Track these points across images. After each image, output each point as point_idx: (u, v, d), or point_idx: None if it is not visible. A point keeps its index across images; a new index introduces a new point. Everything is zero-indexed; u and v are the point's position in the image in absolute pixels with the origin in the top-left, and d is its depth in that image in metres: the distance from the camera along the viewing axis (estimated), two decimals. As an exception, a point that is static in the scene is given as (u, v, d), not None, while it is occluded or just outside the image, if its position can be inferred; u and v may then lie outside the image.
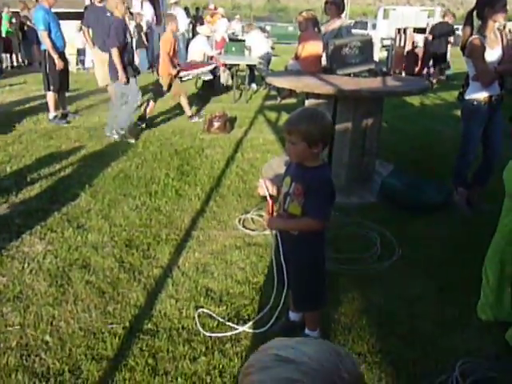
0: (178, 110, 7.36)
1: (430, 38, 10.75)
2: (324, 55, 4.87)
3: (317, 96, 4.08)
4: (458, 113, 7.51)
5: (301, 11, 5.03)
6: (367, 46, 4.36)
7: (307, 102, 4.32)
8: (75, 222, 3.44)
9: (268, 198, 2.01)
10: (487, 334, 2.38)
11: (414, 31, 12.24)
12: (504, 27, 3.59)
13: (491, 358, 2.20)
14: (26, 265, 2.86)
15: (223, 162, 4.96)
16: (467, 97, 3.70)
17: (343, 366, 0.70)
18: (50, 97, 6.28)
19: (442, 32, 10.49)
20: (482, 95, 3.58)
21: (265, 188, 2.01)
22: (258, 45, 9.33)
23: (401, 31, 12.29)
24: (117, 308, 2.51)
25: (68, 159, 4.85)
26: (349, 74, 4.30)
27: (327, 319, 2.41)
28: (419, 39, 11.91)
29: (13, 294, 2.58)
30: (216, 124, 6.02)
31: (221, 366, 2.12)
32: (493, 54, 3.49)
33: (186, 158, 5.00)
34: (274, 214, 2.02)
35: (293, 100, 8.34)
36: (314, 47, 4.76)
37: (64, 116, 6.51)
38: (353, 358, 0.73)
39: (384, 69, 4.59)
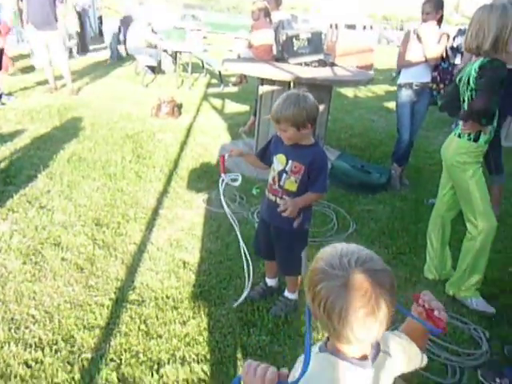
0: (121, 94, 7.22)
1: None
2: (274, 45, 5.11)
3: (272, 82, 4.29)
4: (388, 104, 8.26)
5: (254, 1, 5.21)
6: (316, 37, 4.65)
7: (261, 88, 4.52)
8: (36, 203, 3.37)
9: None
10: (434, 289, 2.76)
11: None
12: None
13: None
14: (-8, 245, 2.79)
15: (177, 146, 5.03)
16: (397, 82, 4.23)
17: None
18: (-17, 77, 5.90)
19: None
20: (405, 80, 4.14)
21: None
22: None
23: (333, 26, 12.92)
24: (98, 282, 2.56)
25: (13, 141, 4.63)
26: (300, 64, 4.57)
27: (302, 283, 2.66)
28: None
29: (-15, 273, 2.53)
30: (165, 109, 6.03)
31: (210, 327, 2.28)
32: (418, 47, 4.01)
33: (138, 142, 4.99)
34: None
35: (235, 88, 8.53)
36: (266, 36, 4.97)
37: (-3, 97, 6.13)
38: None
39: (331, 60, 4.91)
